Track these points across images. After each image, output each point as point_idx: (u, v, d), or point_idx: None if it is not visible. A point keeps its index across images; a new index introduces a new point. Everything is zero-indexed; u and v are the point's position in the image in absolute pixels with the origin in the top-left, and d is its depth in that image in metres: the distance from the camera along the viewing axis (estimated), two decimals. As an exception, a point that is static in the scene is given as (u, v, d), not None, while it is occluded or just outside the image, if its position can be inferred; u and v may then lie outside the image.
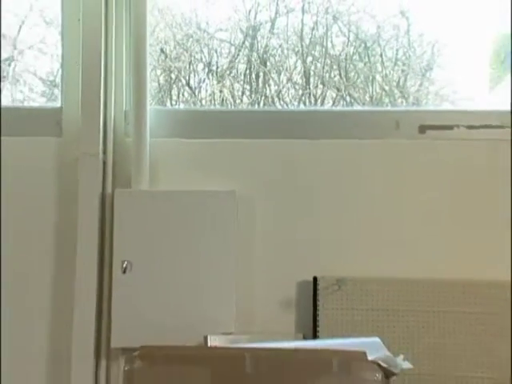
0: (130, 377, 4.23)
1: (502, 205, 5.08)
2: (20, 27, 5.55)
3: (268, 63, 5.57)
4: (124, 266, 5.00)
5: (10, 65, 5.54)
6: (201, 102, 5.60)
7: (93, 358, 5.01)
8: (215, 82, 5.61)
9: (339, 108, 5.53)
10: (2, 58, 5.50)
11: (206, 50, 5.62)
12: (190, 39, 5.64)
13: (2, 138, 5.12)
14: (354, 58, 5.57)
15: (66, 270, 5.09)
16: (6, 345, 5.01)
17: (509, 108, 5.27)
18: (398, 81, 5.60)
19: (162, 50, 5.56)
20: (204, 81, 5.63)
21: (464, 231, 5.11)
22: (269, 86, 5.59)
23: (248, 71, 5.58)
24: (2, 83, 5.48)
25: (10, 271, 5.07)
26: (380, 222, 5.13)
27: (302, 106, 5.56)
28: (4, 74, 5.55)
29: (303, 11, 5.53)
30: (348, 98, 5.55)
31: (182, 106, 5.53)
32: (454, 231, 5.10)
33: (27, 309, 5.09)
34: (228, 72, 5.60)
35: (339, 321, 4.94)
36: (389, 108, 5.50)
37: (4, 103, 5.48)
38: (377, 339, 4.40)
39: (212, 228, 5.06)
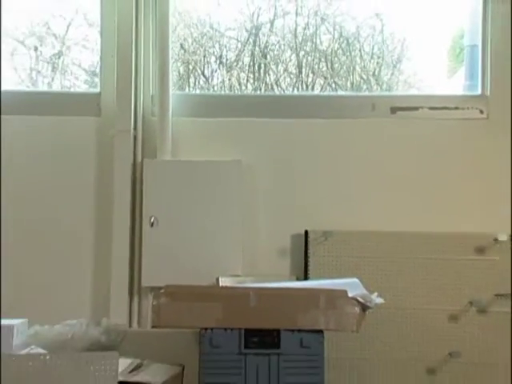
0: (156, 310, 4.29)
1: (457, 170, 5.18)
2: (67, 28, 5.55)
3: (268, 56, 5.58)
4: (151, 220, 5.06)
5: (59, 58, 5.56)
6: (213, 88, 5.60)
7: (127, 294, 5.10)
8: (225, 72, 5.62)
9: (326, 93, 5.56)
10: (52, 54, 5.55)
11: (217, 46, 5.63)
12: (204, 37, 5.64)
13: (55, 117, 5.23)
14: (338, 52, 5.58)
15: (104, 225, 5.16)
16: (59, 283, 5.12)
17: (463, 93, 5.40)
18: (374, 71, 5.61)
19: (181, 46, 5.56)
20: (216, 71, 5.62)
21: (428, 192, 5.16)
22: (268, 75, 5.59)
23: (251, 63, 5.58)
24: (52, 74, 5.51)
25: (64, 224, 5.16)
26: (360, 185, 5.19)
27: (295, 92, 5.57)
28: (55, 65, 5.57)
29: (297, 14, 5.54)
30: (333, 85, 5.56)
31: (197, 91, 5.53)
32: (421, 192, 5.16)
33: (75, 257, 5.16)
34: (235, 64, 5.60)
35: (326, 266, 5.00)
36: (366, 93, 5.52)
37: (55, 89, 5.58)
38: (356, 280, 4.45)
39: (222, 190, 5.12)
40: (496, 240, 5.02)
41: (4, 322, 4.01)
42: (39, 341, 4.25)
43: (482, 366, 4.92)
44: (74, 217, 5.20)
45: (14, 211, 5.15)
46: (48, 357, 3.94)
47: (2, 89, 5.28)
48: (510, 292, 4.97)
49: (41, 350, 4.09)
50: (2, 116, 5.09)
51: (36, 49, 5.59)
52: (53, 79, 5.62)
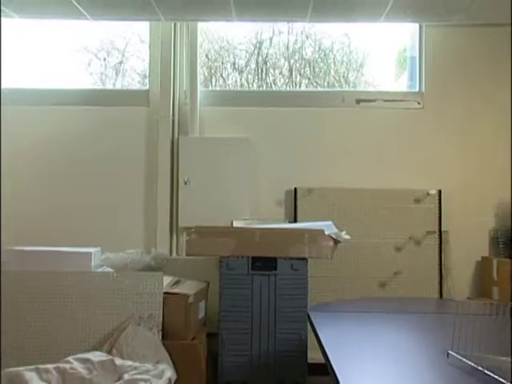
0: (189, 243, 4.26)
1: (402, 144, 5.11)
2: (126, 44, 5.51)
3: (268, 63, 5.48)
4: (185, 180, 5.02)
5: (120, 65, 5.50)
6: (228, 85, 5.53)
7: (169, 232, 5.08)
8: (237, 74, 5.54)
9: (310, 89, 5.45)
10: (116, 62, 5.49)
11: (231, 56, 5.54)
12: (222, 49, 5.56)
13: (118, 107, 5.19)
14: (318, 60, 5.48)
15: (152, 183, 5.10)
16: (123, 223, 5.09)
17: (406, 90, 5.34)
18: (344, 74, 5.52)
19: (206, 56, 5.48)
20: (230, 74, 5.56)
21: (381, 160, 5.10)
22: (268, 76, 5.51)
23: (256, 68, 5.49)
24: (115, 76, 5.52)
25: (125, 183, 5.11)
26: (334, 155, 5.12)
27: (287, 88, 5.48)
28: (117, 71, 5.53)
29: (288, 33, 5.46)
30: (314, 84, 5.47)
31: (217, 88, 5.46)
32: (376, 160, 5.11)
33: (133, 205, 5.11)
34: (244, 68, 5.52)
35: (309, 213, 4.96)
36: (338, 89, 5.41)
37: (117, 87, 5.52)
38: (330, 222, 4.41)
39: (235, 159, 5.06)
40: (428, 194, 5.03)
41: (85, 249, 4.14)
42: (109, 263, 4.39)
43: (416, 280, 4.94)
44: (132, 177, 5.15)
45: (95, 173, 5.17)
46: (115, 274, 4.08)
47: (83, 87, 5.39)
48: (436, 230, 5.01)
49: (109, 269, 4.23)
50: (83, 106, 5.16)
51: (105, 59, 5.55)
52: (116, 80, 5.55)
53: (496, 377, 1.96)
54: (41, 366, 3.37)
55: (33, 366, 3.37)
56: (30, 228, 4.89)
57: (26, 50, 5.32)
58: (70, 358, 3.47)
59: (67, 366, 3.39)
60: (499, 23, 4.91)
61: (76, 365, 3.39)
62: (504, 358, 2.13)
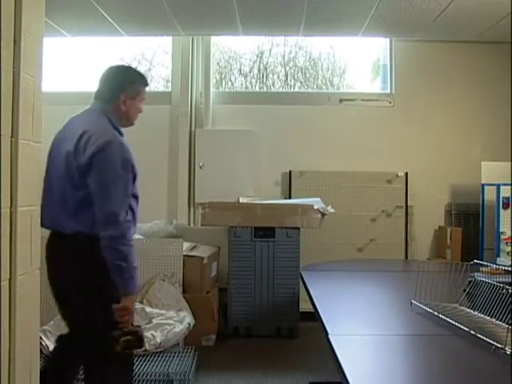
0: (203, 215, 4.28)
1: (376, 135, 5.08)
2: (153, 55, 5.49)
3: (268, 69, 5.44)
4: (200, 165, 5.00)
5: (149, 72, 5.48)
6: (235, 88, 5.48)
7: (187, 206, 5.07)
8: (242, 79, 5.50)
9: (302, 90, 5.40)
10: (145, 70, 5.46)
11: (238, 64, 5.50)
12: (231, 58, 5.52)
13: (146, 105, 5.10)
14: (309, 67, 5.44)
15: (174, 167, 5.09)
16: (150, 198, 5.05)
17: (379, 91, 5.29)
18: (329, 78, 5.48)
19: (217, 64, 5.43)
20: (237, 78, 5.53)
21: (360, 147, 5.06)
22: (268, 80, 5.46)
23: (258, 73, 5.46)
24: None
25: (153, 166, 4.95)
26: (321, 144, 5.08)
27: (284, 90, 5.43)
28: (147, 76, 5.48)
29: (284, 45, 5.42)
30: (306, 86, 5.42)
31: (227, 90, 5.42)
32: (356, 148, 5.07)
33: (159, 184, 5.06)
34: (249, 74, 5.48)
35: (301, 191, 4.93)
36: (325, 90, 5.37)
37: (147, 89, 5.45)
38: (318, 199, 4.42)
39: (241, 147, 5.02)
40: (397, 175, 5.01)
41: None
42: (139, 232, 4.34)
43: (387, 245, 4.95)
44: (158, 162, 5.11)
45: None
46: (144, 240, 4.09)
47: None
48: (403, 205, 5.00)
49: (140, 237, 4.19)
50: None
51: (136, 67, 5.40)
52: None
53: (448, 319, 2.01)
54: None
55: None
56: None
57: (75, 61, 5.32)
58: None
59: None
60: (452, 40, 4.94)
61: (115, 311, 3.45)
62: (454, 305, 2.18)
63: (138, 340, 2.09)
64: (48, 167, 2.26)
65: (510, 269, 2.47)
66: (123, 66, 2.50)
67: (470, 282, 2.21)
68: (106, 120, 2.21)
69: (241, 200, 4.73)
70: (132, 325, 2.12)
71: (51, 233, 2.23)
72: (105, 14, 4.20)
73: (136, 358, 3.13)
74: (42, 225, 2.15)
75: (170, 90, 5.23)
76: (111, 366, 2.14)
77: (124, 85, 2.27)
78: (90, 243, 2.06)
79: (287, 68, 5.46)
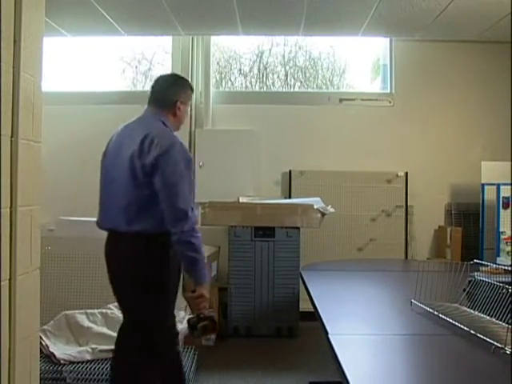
0: (204, 215, 4.28)
1: (375, 135, 5.07)
2: (153, 54, 5.47)
3: (267, 69, 5.44)
4: (200, 164, 4.98)
5: (149, 71, 5.48)
6: (235, 87, 5.48)
7: None
8: (242, 78, 5.49)
9: (302, 90, 5.40)
10: (145, 69, 5.48)
11: (238, 63, 5.50)
12: (230, 58, 5.51)
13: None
14: (309, 67, 5.44)
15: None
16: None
17: (379, 91, 5.28)
18: (329, 78, 5.47)
19: (217, 63, 5.43)
20: (237, 78, 5.52)
21: (360, 147, 5.05)
22: (268, 80, 5.46)
23: (258, 73, 5.45)
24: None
25: None
26: (321, 144, 5.07)
27: (284, 90, 5.43)
28: (146, 76, 5.52)
29: (284, 45, 5.42)
30: (305, 86, 5.42)
31: (226, 89, 5.41)
32: (355, 147, 5.07)
33: None
34: (248, 73, 5.47)
35: (301, 191, 4.92)
36: (325, 90, 5.36)
37: (146, 89, 5.40)
38: (318, 198, 4.42)
39: (241, 146, 5.00)
40: (397, 175, 5.01)
41: None
42: None
43: (387, 245, 4.94)
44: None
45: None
46: None
47: (120, 89, 5.35)
48: (403, 204, 4.99)
49: None
50: (119, 105, 5.04)
51: (136, 67, 5.50)
52: (145, 84, 5.51)
53: (448, 319, 2.01)
54: (89, 311, 3.45)
55: (83, 311, 3.45)
56: (80, 203, 4.80)
57: (75, 61, 5.32)
58: (111, 305, 3.53)
59: (109, 311, 3.47)
60: (452, 39, 4.93)
61: (115, 310, 3.46)
62: (454, 305, 2.18)
63: (214, 325, 2.26)
64: (105, 173, 2.43)
65: (509, 268, 2.47)
66: (175, 75, 2.76)
67: (469, 281, 2.21)
68: (162, 124, 2.38)
69: (241, 200, 4.72)
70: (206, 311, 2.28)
71: (110, 232, 2.36)
72: (105, 14, 4.20)
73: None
74: (100, 226, 2.40)
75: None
76: (163, 360, 2.34)
77: (179, 92, 2.46)
78: (152, 241, 2.21)
79: (287, 68, 5.46)
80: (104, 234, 4.00)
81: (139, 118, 2.46)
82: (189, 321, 2.27)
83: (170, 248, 2.23)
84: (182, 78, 2.62)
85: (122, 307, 2.44)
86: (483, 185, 4.58)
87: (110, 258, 2.39)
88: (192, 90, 2.59)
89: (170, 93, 2.44)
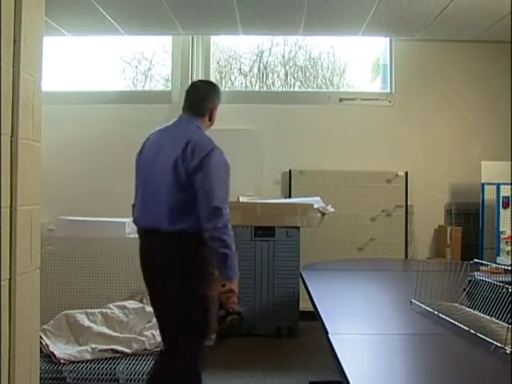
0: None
1: (375, 134, 5.08)
2: (153, 54, 5.48)
3: (267, 69, 5.45)
4: None
5: (149, 71, 5.50)
6: (236, 87, 5.49)
7: None
8: (242, 78, 5.51)
9: (302, 89, 5.41)
10: (145, 69, 5.50)
11: (238, 63, 5.51)
12: (230, 58, 5.52)
13: (146, 104, 5.10)
14: (309, 66, 5.45)
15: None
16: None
17: (379, 91, 5.30)
18: (329, 77, 5.48)
19: (217, 63, 5.44)
20: (237, 77, 5.53)
21: (359, 147, 5.04)
22: (268, 79, 5.47)
23: (258, 73, 5.46)
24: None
25: None
26: (321, 144, 5.05)
27: (284, 89, 5.44)
28: (146, 75, 5.51)
29: (284, 44, 5.42)
30: (305, 85, 5.43)
31: (227, 89, 5.42)
32: (355, 147, 5.04)
33: None
34: (249, 73, 5.48)
35: (301, 190, 4.91)
36: (325, 90, 5.37)
37: (146, 89, 5.51)
38: (318, 198, 4.41)
39: (241, 146, 4.97)
40: (397, 175, 5.01)
41: (120, 219, 4.13)
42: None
43: (386, 245, 4.94)
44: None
45: (129, 158, 4.99)
46: None
47: (120, 89, 5.36)
48: (403, 204, 5.00)
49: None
50: (119, 104, 5.09)
51: (136, 66, 5.50)
52: (145, 83, 5.54)
53: (448, 318, 2.01)
54: (89, 310, 3.44)
55: (83, 310, 3.44)
56: (80, 203, 4.82)
57: (75, 60, 5.33)
58: (111, 305, 3.53)
59: (109, 311, 3.47)
60: (452, 39, 4.93)
61: (115, 310, 3.46)
62: (454, 304, 2.18)
63: (241, 319, 2.37)
64: (143, 174, 2.60)
65: (509, 268, 2.47)
66: (209, 82, 2.94)
67: (469, 281, 2.21)
68: (198, 129, 2.56)
69: (241, 199, 4.71)
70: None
71: (149, 231, 2.46)
72: (104, 14, 4.20)
73: (136, 357, 3.15)
74: (137, 224, 2.52)
75: (169, 89, 5.22)
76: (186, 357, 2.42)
77: (214, 100, 2.67)
78: (191, 239, 2.35)
79: (287, 67, 5.46)
80: (102, 234, 4.03)
81: (176, 123, 2.63)
82: (220, 313, 2.38)
83: (205, 246, 2.36)
84: (215, 84, 2.82)
85: (162, 306, 2.48)
86: (483, 184, 4.58)
87: (147, 255, 2.48)
88: (220, 93, 2.77)
89: (207, 102, 2.63)
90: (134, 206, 2.64)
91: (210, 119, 2.68)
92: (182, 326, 2.39)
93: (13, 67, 1.88)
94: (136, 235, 4.17)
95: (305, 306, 3.72)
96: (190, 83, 4.98)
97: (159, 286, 2.43)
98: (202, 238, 2.32)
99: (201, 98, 2.64)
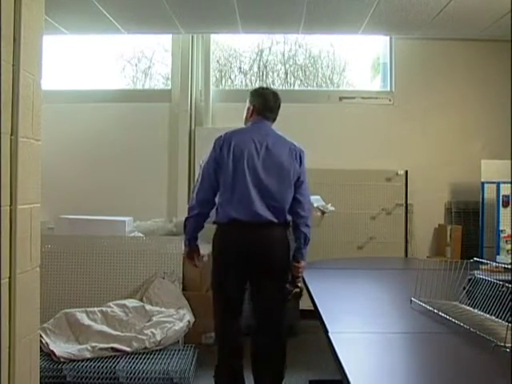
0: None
1: (375, 132, 5.06)
2: (153, 53, 5.46)
3: (267, 67, 5.44)
4: (200, 163, 4.91)
5: (149, 70, 5.48)
6: (235, 85, 5.49)
7: (187, 204, 4.93)
8: (242, 76, 5.50)
9: (302, 88, 5.41)
10: (145, 67, 5.48)
11: (238, 61, 5.50)
12: (230, 56, 5.51)
13: (146, 103, 5.11)
14: (309, 65, 5.43)
15: (174, 165, 5.06)
16: (151, 197, 5.00)
17: (379, 89, 5.28)
18: (329, 76, 5.47)
19: (217, 62, 5.42)
20: (237, 76, 5.52)
21: (359, 145, 5.02)
22: (268, 78, 5.46)
23: (258, 71, 5.45)
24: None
25: (152, 164, 5.07)
26: (321, 141, 4.98)
27: (284, 88, 5.40)
28: (146, 74, 5.49)
29: (284, 43, 5.41)
30: (305, 84, 5.42)
31: (226, 87, 5.42)
32: (355, 145, 5.05)
33: (159, 183, 5.07)
34: (248, 71, 5.47)
35: None
36: (325, 88, 5.36)
37: (146, 87, 5.49)
38: (318, 196, 4.39)
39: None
40: (397, 174, 5.00)
41: (120, 218, 4.17)
42: (139, 229, 4.38)
43: (386, 243, 4.92)
44: (158, 160, 5.11)
45: (129, 157, 5.11)
46: (144, 238, 4.10)
47: (120, 87, 5.35)
48: (403, 203, 4.98)
49: (140, 234, 4.16)
50: (119, 103, 5.10)
51: (136, 65, 5.49)
52: (145, 82, 5.53)
53: (448, 317, 2.02)
54: (89, 309, 3.45)
55: (83, 309, 3.45)
56: (80, 202, 4.85)
57: (75, 59, 5.32)
58: (111, 304, 3.54)
59: (109, 309, 3.47)
60: (452, 38, 4.92)
61: (115, 309, 3.47)
62: (454, 303, 2.18)
63: (301, 292, 2.84)
64: (242, 173, 2.83)
65: (509, 267, 2.48)
66: (275, 92, 3.25)
67: (469, 279, 2.22)
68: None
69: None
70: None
71: (248, 223, 2.76)
72: (104, 12, 4.20)
73: (136, 356, 3.15)
74: (242, 217, 2.76)
75: (169, 87, 5.21)
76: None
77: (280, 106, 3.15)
78: (285, 230, 2.83)
79: (287, 66, 5.45)
80: (102, 233, 4.03)
81: (266, 127, 3.10)
82: (287, 286, 2.80)
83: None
84: (255, 89, 3.34)
85: (271, 285, 2.78)
86: (483, 183, 4.58)
87: (253, 245, 2.75)
88: None
89: (278, 110, 3.18)
90: (202, 200, 3.01)
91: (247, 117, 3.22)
92: (284, 306, 2.84)
93: (13, 65, 1.88)
94: (137, 234, 4.19)
95: (305, 304, 3.71)
96: (190, 82, 5.05)
97: (271, 270, 2.76)
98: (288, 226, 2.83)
99: (277, 107, 3.21)
